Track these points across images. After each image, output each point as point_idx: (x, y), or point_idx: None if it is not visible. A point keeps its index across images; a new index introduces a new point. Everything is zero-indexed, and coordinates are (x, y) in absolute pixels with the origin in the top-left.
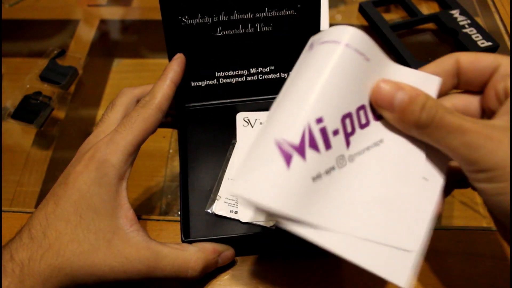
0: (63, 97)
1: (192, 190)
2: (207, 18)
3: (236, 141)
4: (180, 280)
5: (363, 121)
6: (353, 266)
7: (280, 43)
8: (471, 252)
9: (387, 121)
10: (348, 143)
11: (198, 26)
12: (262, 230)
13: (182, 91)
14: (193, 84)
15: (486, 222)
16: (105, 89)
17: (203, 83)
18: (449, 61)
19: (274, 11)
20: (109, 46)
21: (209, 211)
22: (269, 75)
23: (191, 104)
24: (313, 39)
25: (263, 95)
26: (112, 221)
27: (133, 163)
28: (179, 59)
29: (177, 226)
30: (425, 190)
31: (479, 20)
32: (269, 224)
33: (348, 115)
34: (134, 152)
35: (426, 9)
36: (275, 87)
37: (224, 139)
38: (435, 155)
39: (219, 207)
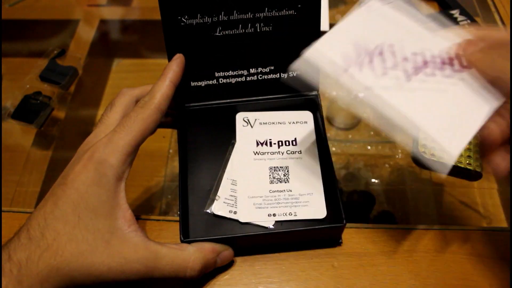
0: (63, 97)
1: (191, 190)
2: (206, 18)
3: (235, 141)
4: (179, 281)
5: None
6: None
7: (280, 43)
8: (471, 252)
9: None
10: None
11: (198, 26)
12: (261, 230)
13: (182, 91)
14: (192, 84)
15: (486, 222)
16: (105, 89)
17: (202, 83)
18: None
19: (274, 11)
20: (109, 46)
21: (208, 211)
22: (269, 75)
23: (191, 104)
24: None
25: (263, 95)
26: (110, 222)
27: (132, 163)
28: (178, 59)
29: (177, 226)
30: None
31: (479, 20)
32: (268, 224)
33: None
34: (133, 153)
35: (426, 9)
36: (275, 87)
37: (223, 139)
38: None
39: (218, 207)
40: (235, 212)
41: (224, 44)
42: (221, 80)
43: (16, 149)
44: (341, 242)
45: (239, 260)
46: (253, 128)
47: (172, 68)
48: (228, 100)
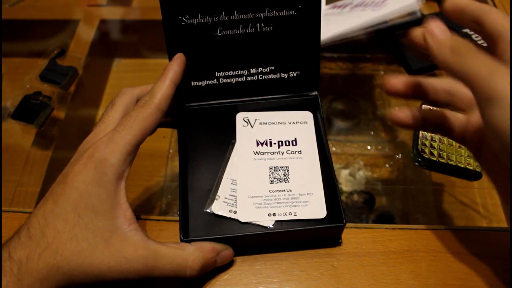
0: (63, 97)
1: (191, 189)
2: (207, 18)
3: (235, 141)
4: (179, 280)
5: None
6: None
7: (280, 43)
8: (471, 252)
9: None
10: None
11: (199, 26)
12: (261, 229)
13: (182, 91)
14: (193, 84)
15: (486, 222)
16: (105, 89)
17: (203, 83)
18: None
19: (274, 11)
20: (109, 46)
21: (208, 210)
22: (269, 75)
23: (191, 104)
24: None
25: (263, 95)
26: (110, 221)
27: (132, 162)
28: (179, 59)
29: (177, 226)
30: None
31: None
32: (268, 223)
33: None
34: (133, 152)
35: (426, 9)
36: (275, 87)
37: (224, 139)
38: None
39: (218, 207)
40: (235, 212)
41: (224, 44)
42: (222, 80)
43: (16, 149)
44: (341, 242)
45: (239, 260)
46: (253, 128)
47: (173, 68)
48: (228, 100)
